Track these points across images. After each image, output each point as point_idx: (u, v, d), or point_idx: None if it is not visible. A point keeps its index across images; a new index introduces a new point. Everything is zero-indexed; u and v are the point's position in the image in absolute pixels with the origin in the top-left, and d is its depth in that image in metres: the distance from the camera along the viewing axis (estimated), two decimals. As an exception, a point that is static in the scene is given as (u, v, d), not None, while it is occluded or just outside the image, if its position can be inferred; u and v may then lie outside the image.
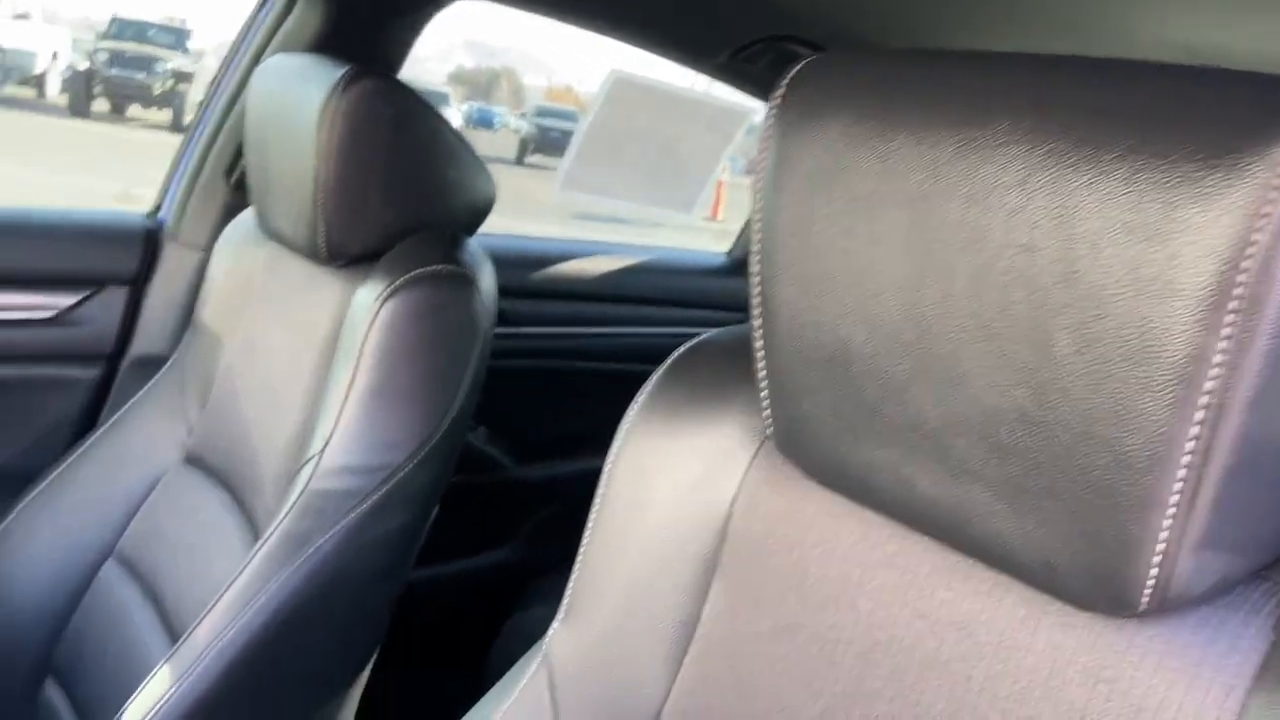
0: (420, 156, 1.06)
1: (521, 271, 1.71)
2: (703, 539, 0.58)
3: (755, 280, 0.51)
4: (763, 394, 0.53)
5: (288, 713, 0.98)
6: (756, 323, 0.52)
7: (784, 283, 0.48)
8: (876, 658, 0.49)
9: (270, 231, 1.15)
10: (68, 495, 1.24)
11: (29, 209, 1.42)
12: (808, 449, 0.51)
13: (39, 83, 11.20)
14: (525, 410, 1.78)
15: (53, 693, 1.18)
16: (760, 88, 1.58)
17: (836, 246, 0.44)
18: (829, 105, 0.44)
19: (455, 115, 14.00)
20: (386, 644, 1.08)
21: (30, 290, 1.38)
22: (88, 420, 1.43)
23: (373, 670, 1.06)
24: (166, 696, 0.89)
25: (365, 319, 0.98)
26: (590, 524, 0.63)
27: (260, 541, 0.95)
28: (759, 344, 0.52)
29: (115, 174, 6.49)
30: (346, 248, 1.05)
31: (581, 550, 0.64)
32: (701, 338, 0.65)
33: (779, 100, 0.47)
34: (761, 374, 0.53)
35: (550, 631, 0.64)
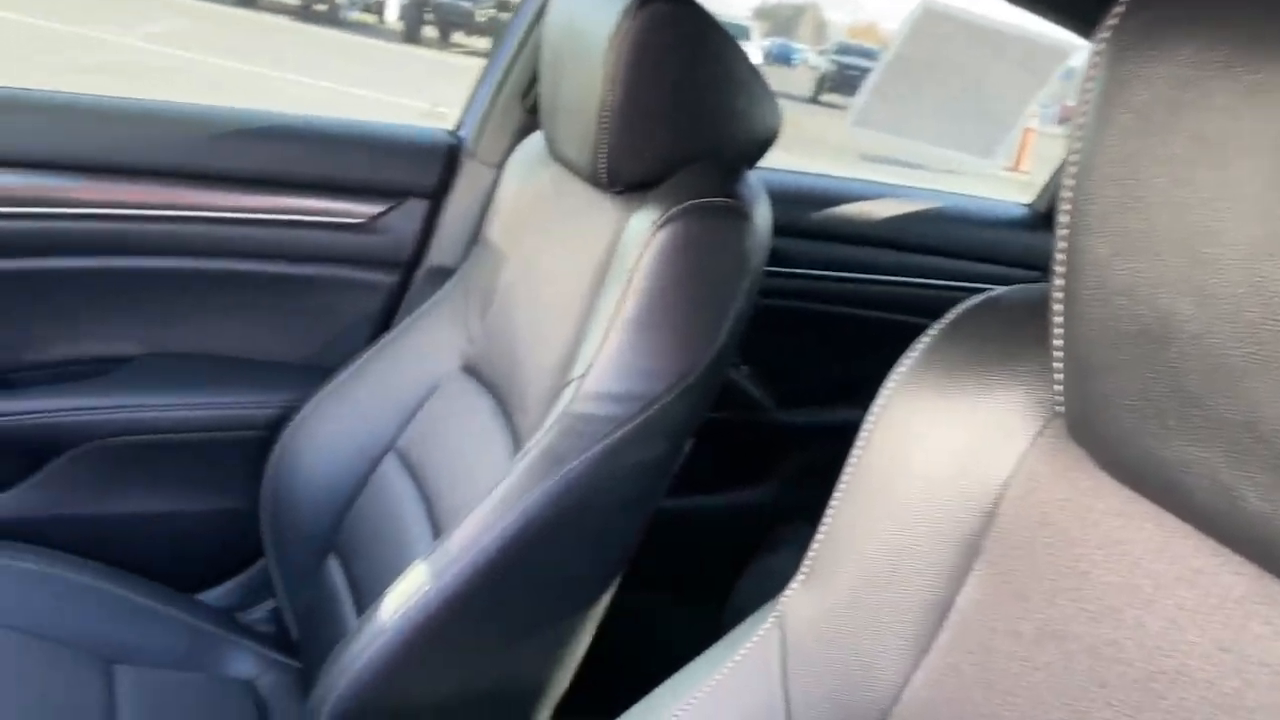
0: (707, 83, 1.03)
1: (801, 210, 1.65)
2: (966, 518, 0.52)
3: (1061, 232, 0.44)
4: (1056, 366, 0.46)
5: (531, 622, 1.01)
6: (1058, 282, 0.45)
7: (1096, 237, 0.41)
8: (1158, 688, 0.42)
9: (556, 154, 1.17)
10: (359, 391, 1.33)
11: (348, 121, 1.52)
12: (1103, 436, 0.44)
13: (379, 9, 12.17)
14: (791, 353, 1.74)
15: (333, 567, 1.28)
16: (1084, 21, 1.42)
17: (1168, 198, 0.37)
18: (1177, 24, 0.37)
19: (755, 51, 13.87)
20: (633, 569, 1.09)
21: (344, 198, 1.48)
22: (384, 322, 1.53)
23: (617, 592, 1.08)
24: (421, 591, 0.93)
25: (637, 246, 0.97)
26: (842, 483, 0.59)
27: (519, 455, 0.98)
28: (1058, 308, 0.45)
29: (430, 94, 6.94)
30: (625, 174, 1.04)
31: (830, 510, 0.59)
32: (992, 294, 0.58)
33: (1115, 18, 0.39)
34: (1057, 343, 0.46)
35: (788, 590, 0.61)
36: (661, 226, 0.96)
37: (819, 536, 0.60)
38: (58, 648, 1.19)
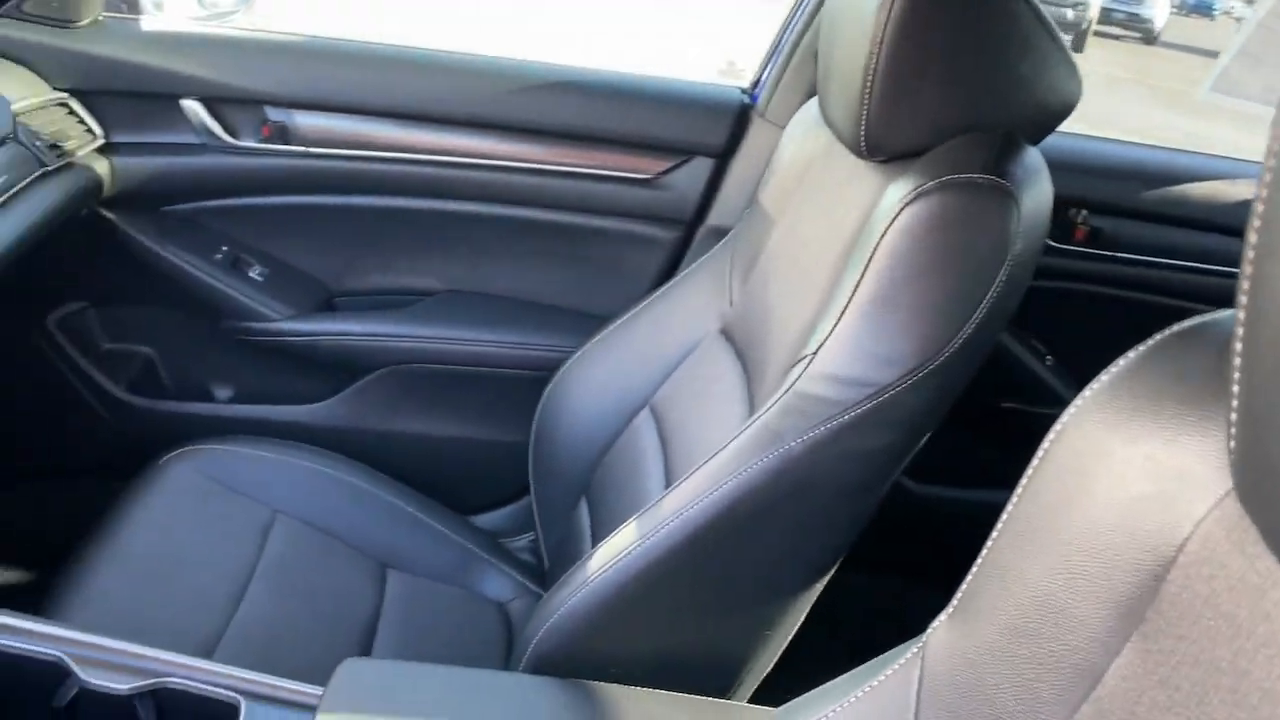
0: (986, 47, 0.93)
1: (1127, 186, 1.47)
2: (1132, 579, 0.45)
3: (1249, 254, 0.36)
4: (1232, 419, 0.38)
5: (735, 597, 1.00)
6: (1240, 314, 0.37)
7: None
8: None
9: (827, 119, 1.12)
10: (626, 342, 1.36)
11: (647, 78, 1.54)
12: (1276, 510, 0.36)
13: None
14: (1104, 345, 1.57)
15: (583, 510, 1.33)
16: None
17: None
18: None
19: (1166, 2, 12.49)
20: (862, 546, 1.04)
21: (636, 153, 1.51)
22: (663, 277, 1.56)
23: (842, 570, 1.03)
24: (627, 549, 0.95)
25: (883, 221, 0.91)
26: (1006, 513, 0.52)
27: (741, 428, 0.96)
28: (1238, 346, 0.37)
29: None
30: (886, 143, 0.97)
31: (990, 542, 0.53)
32: (1204, 318, 0.48)
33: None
34: (1235, 387, 0.37)
35: (936, 622, 0.55)
36: (910, 202, 0.89)
37: (974, 569, 0.54)
38: (342, 544, 1.34)
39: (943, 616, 0.55)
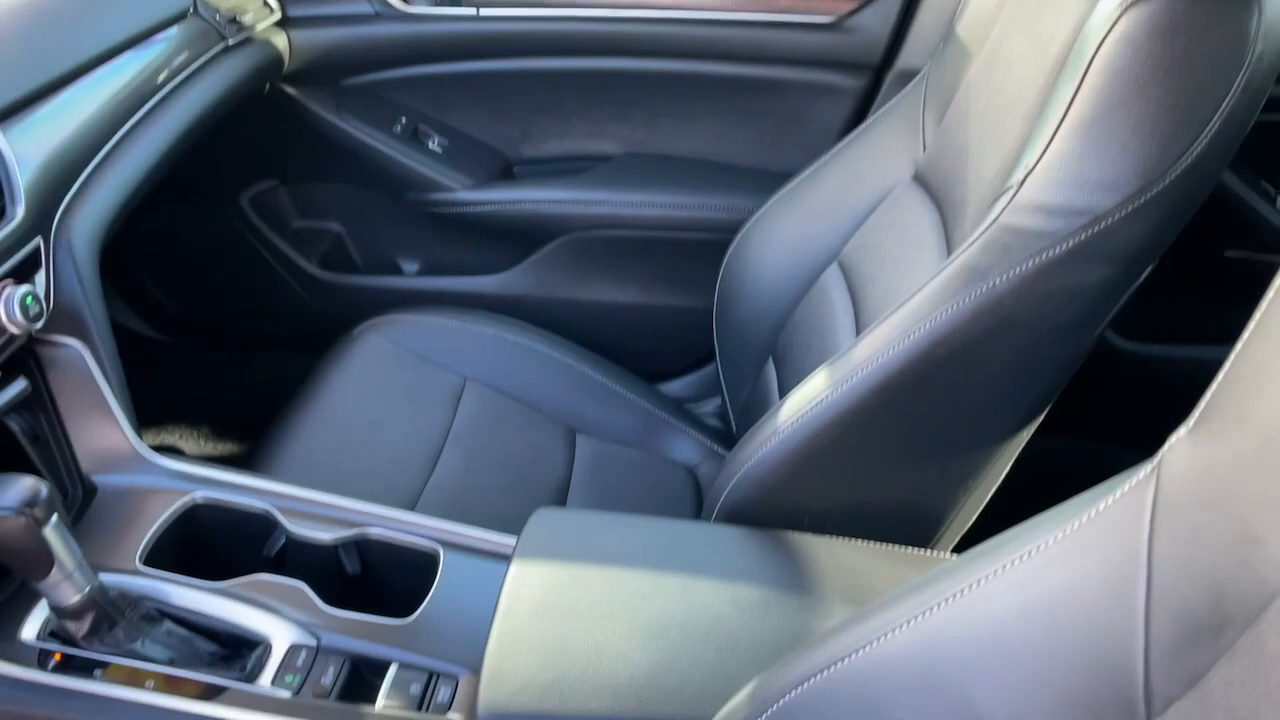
0: None
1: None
2: None
3: None
4: None
5: (933, 446, 0.94)
6: None
7: None
8: None
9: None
10: (811, 197, 1.30)
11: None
12: None
13: None
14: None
15: (769, 371, 1.30)
16: None
17: None
18: None
19: None
20: (1061, 407, 0.97)
21: (816, -7, 1.42)
22: (847, 130, 1.47)
23: (1040, 433, 0.97)
24: (819, 398, 0.91)
25: (1099, 31, 0.81)
26: (1261, 310, 0.45)
27: (939, 269, 0.89)
28: None
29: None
30: (1105, -61, 0.86)
31: (1240, 345, 0.46)
32: None
33: None
34: None
35: (1172, 438, 0.49)
36: (1130, 5, 0.78)
37: (1219, 377, 0.47)
38: (531, 409, 1.36)
39: (1181, 431, 0.49)
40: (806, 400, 0.92)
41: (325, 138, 1.50)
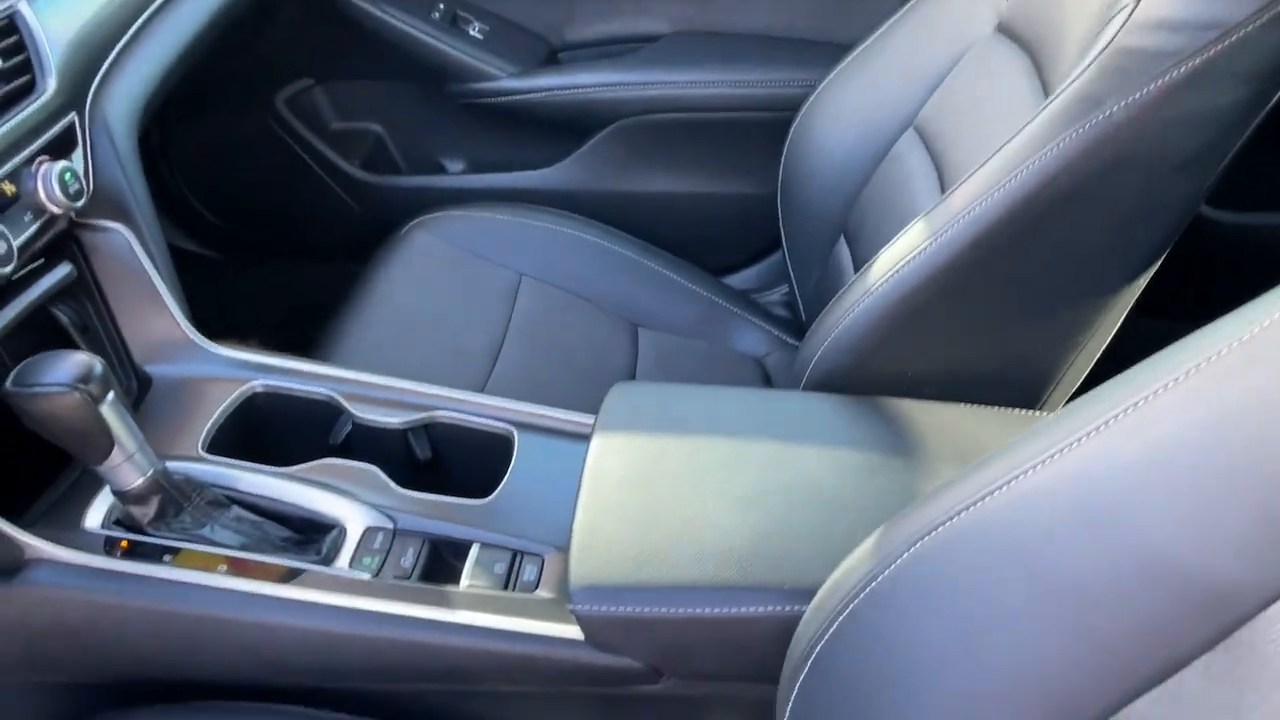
0: None
1: None
2: None
3: None
4: None
5: (1041, 301, 0.88)
6: None
7: None
8: None
9: None
10: (879, 64, 1.22)
11: None
12: None
13: None
14: None
15: (841, 250, 1.23)
16: None
17: None
18: None
19: None
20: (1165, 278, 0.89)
21: None
22: (914, -9, 1.38)
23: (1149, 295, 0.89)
24: (914, 252, 0.84)
25: None
26: None
27: (1044, 103, 0.81)
28: None
29: None
30: None
31: None
32: None
33: None
34: None
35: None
36: None
37: None
38: (591, 306, 1.30)
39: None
40: (900, 255, 0.85)
41: (360, 29, 1.42)
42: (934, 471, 0.78)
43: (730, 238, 1.53)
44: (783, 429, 0.83)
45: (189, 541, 0.76)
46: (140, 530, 0.76)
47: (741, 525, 0.74)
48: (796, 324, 1.35)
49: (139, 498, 0.74)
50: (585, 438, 0.85)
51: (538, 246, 1.35)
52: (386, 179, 1.55)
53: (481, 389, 1.13)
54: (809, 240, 1.30)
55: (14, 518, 0.73)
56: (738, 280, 1.53)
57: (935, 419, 0.85)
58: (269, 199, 1.59)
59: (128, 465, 0.72)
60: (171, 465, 0.78)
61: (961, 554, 0.55)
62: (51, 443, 0.72)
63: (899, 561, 0.56)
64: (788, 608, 0.69)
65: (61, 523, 0.76)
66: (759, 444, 0.81)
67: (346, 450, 0.90)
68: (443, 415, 0.90)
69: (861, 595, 0.57)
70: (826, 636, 0.58)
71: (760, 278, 1.53)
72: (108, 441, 0.70)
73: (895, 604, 0.56)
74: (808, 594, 0.67)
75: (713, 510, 0.75)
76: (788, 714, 0.61)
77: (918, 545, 0.56)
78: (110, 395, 0.70)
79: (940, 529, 0.55)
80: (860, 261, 1.17)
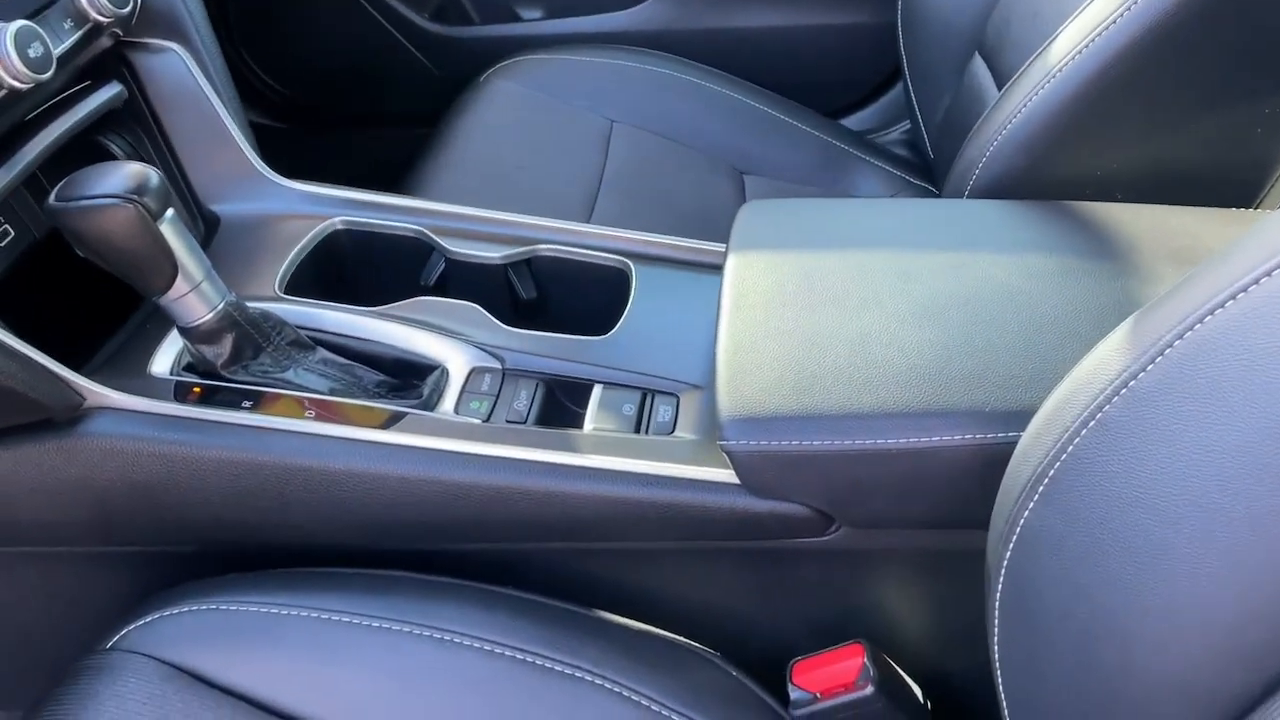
0: None
1: None
2: None
3: None
4: None
5: (1254, 80, 0.72)
6: None
7: None
8: None
9: None
10: None
11: None
12: None
13: None
14: None
15: (977, 66, 1.07)
16: None
17: None
18: None
19: None
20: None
21: None
22: None
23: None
24: (1108, 21, 0.69)
25: None
26: None
27: None
28: None
29: None
30: None
31: None
32: None
33: None
34: None
35: None
36: None
37: None
38: (692, 152, 1.16)
39: None
40: (1091, 25, 0.70)
41: None
42: (1154, 274, 0.64)
43: (841, 74, 1.37)
44: (958, 236, 0.70)
45: (270, 386, 0.66)
46: (214, 375, 0.66)
47: (923, 342, 0.61)
48: (923, 163, 1.20)
49: (210, 335, 0.63)
50: (714, 268, 0.73)
51: (630, 89, 1.21)
52: (458, 30, 1.42)
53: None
54: (937, 64, 1.14)
55: (72, 364, 0.64)
56: (852, 122, 1.38)
57: (1138, 220, 0.70)
58: (336, 62, 1.47)
59: (194, 296, 0.62)
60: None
61: (1257, 335, 0.42)
62: (111, 280, 0.62)
63: (1166, 355, 0.43)
64: (991, 435, 0.57)
65: (126, 369, 0.66)
66: (932, 253, 0.68)
67: (440, 291, 0.79)
68: (547, 249, 0.79)
69: (1114, 401, 0.44)
70: (1064, 456, 0.46)
71: (878, 116, 1.37)
72: (170, 265, 0.59)
73: (1160, 408, 0.44)
74: (1017, 416, 0.55)
75: (885, 326, 0.62)
76: (1009, 552, 0.49)
77: (1200, 325, 0.43)
78: (170, 212, 0.59)
79: (1215, 315, 0.42)
80: (1004, 76, 1.02)
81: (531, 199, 1.04)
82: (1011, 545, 0.49)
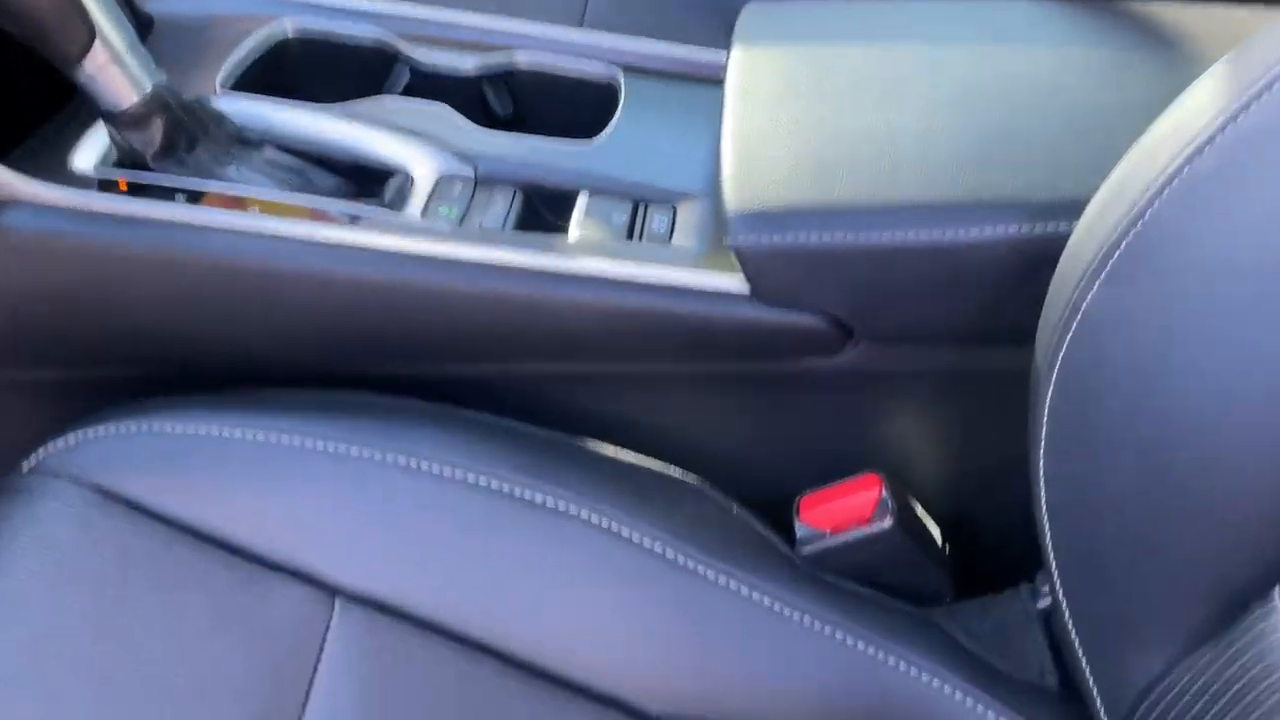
0: None
1: None
2: None
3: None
4: None
5: None
6: None
7: None
8: None
9: None
10: None
11: None
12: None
13: None
14: None
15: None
16: None
17: None
18: None
19: None
20: None
21: None
22: None
23: None
24: None
25: None
26: None
27: None
28: None
29: None
30: None
31: None
32: None
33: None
34: None
35: None
36: None
37: None
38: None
39: None
40: None
41: None
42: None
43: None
44: (990, 32, 0.62)
45: (208, 182, 0.57)
46: (144, 168, 0.57)
47: (956, 130, 0.54)
48: None
49: (137, 120, 0.55)
50: (715, 82, 0.65)
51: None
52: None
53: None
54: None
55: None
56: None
57: (1193, 17, 0.63)
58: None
59: (117, 71, 0.53)
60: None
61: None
62: (35, 69, 0.53)
63: (1275, 89, 0.37)
64: (1039, 227, 0.50)
65: (44, 163, 0.57)
66: (962, 47, 0.60)
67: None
68: (527, 57, 0.70)
69: (1205, 151, 0.38)
70: (1140, 225, 0.39)
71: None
72: (84, 23, 0.51)
73: (1265, 150, 0.37)
74: (1068, 207, 0.48)
75: (911, 115, 0.55)
76: (1064, 347, 0.42)
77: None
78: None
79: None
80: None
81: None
82: (1069, 338, 0.42)
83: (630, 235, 0.58)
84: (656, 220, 0.59)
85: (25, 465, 0.53)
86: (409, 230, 0.55)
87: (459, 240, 0.55)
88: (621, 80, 0.69)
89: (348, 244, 0.54)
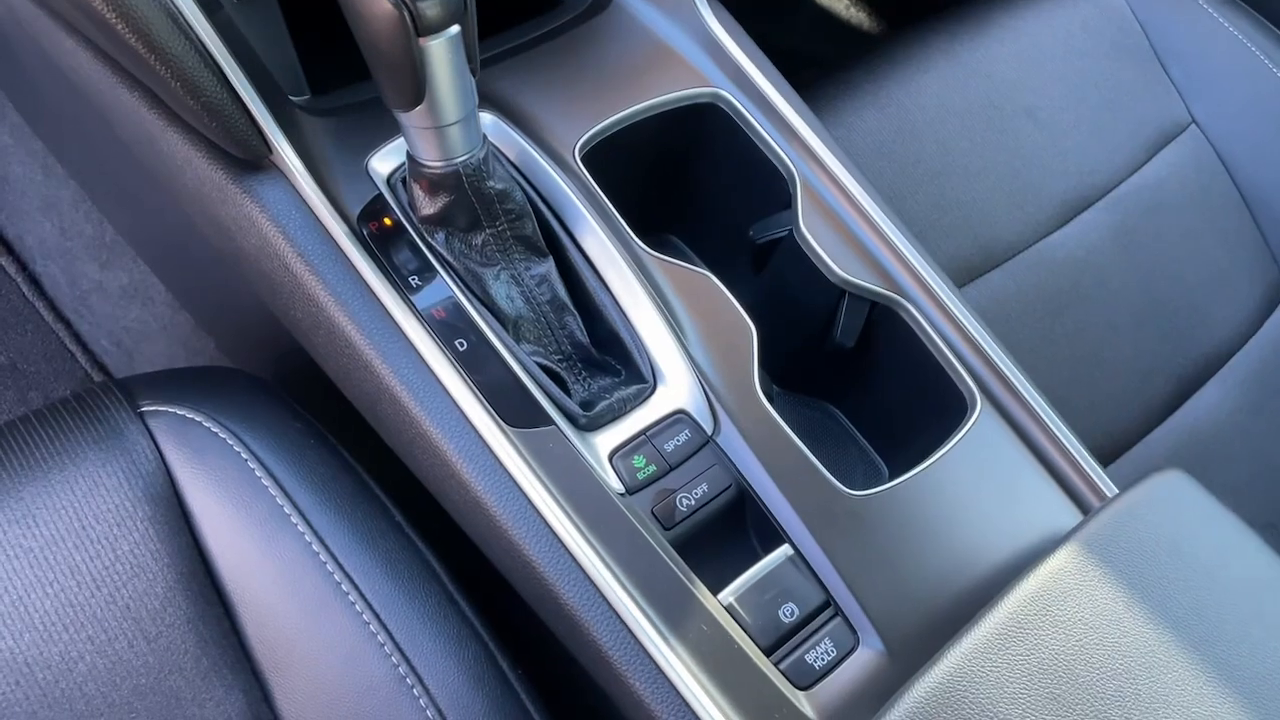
0: None
1: None
2: None
3: None
4: None
5: None
6: None
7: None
8: None
9: None
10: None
11: None
12: None
13: None
14: None
15: None
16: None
17: None
18: None
19: None
20: None
21: None
22: None
23: None
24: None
25: None
26: None
27: None
28: None
29: None
30: None
31: None
32: None
33: None
34: None
35: None
36: None
37: None
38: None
39: None
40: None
41: None
42: None
43: None
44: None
45: (455, 277, 0.51)
46: (410, 217, 0.51)
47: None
48: None
49: (429, 182, 0.49)
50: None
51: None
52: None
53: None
54: None
55: (287, 105, 0.52)
56: None
57: None
58: None
59: (431, 134, 0.46)
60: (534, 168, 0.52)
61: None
62: None
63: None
64: None
65: (345, 143, 0.53)
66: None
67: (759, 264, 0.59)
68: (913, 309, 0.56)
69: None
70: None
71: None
72: (413, 89, 0.44)
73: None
74: None
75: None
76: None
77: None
78: (454, 30, 0.43)
79: None
80: None
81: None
82: None
83: (775, 645, 0.46)
84: (824, 646, 0.47)
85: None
86: (564, 476, 0.47)
87: (593, 526, 0.46)
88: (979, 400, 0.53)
89: (490, 452, 0.47)
